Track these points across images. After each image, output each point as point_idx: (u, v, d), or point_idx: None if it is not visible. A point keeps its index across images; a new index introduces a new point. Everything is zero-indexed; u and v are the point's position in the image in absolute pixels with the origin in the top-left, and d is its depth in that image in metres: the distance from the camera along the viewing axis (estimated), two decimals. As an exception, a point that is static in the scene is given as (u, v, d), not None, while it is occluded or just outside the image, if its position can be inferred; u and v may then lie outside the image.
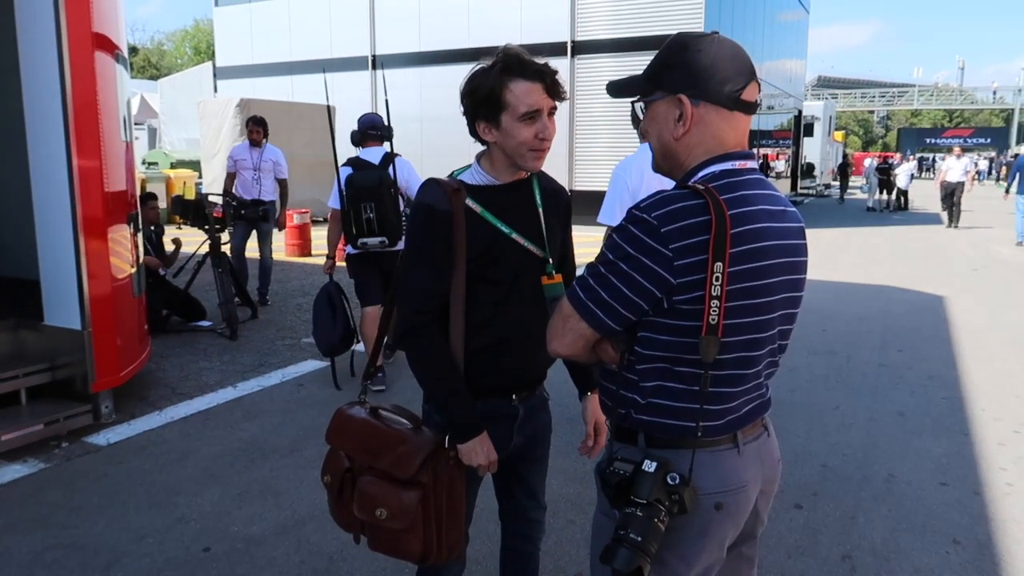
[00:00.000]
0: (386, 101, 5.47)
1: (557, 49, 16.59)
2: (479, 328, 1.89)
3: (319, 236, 12.36)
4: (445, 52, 17.81)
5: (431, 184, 1.89)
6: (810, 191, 31.41)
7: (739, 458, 1.47)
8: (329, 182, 18.30)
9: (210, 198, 6.63)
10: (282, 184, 7.91)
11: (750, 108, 1.45)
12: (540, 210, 1.95)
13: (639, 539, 1.31)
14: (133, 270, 4.69)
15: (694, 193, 1.35)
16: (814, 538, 3.25)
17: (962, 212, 17.71)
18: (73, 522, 3.32)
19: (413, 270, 1.87)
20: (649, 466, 1.36)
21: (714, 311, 1.32)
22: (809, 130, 31.70)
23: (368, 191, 4.90)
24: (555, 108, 1.83)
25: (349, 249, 5.04)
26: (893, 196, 23.27)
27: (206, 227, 6.45)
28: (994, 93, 66.23)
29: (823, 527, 3.35)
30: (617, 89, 1.57)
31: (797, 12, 27.75)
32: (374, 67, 18.91)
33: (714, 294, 1.31)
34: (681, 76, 1.42)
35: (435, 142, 18.36)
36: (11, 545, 3.11)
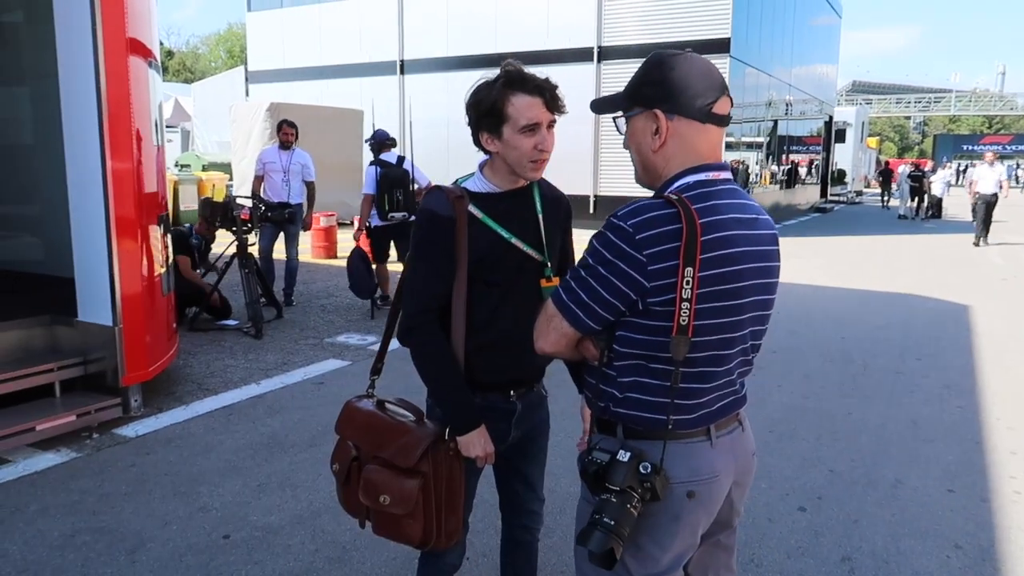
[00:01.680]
0: (408, 122, 5.75)
1: (583, 55, 16.71)
2: (479, 327, 1.99)
3: (345, 239, 12.60)
4: (472, 57, 17.99)
5: (435, 191, 2.01)
6: (840, 198, 31.09)
7: (711, 450, 1.56)
8: (356, 186, 18.57)
9: (238, 200, 6.82)
10: (310, 187, 8.12)
11: (722, 121, 1.55)
12: (540, 216, 2.06)
13: (612, 523, 1.40)
14: (163, 269, 4.88)
15: (667, 203, 1.45)
16: (815, 539, 3.31)
17: (993, 222, 15.86)
18: (102, 508, 3.48)
19: (418, 271, 1.99)
20: (623, 456, 1.46)
21: (684, 312, 1.42)
22: (841, 136, 31.42)
23: (397, 181, 7.26)
24: (554, 121, 1.93)
25: (375, 222, 7.35)
26: (925, 204, 22.97)
27: (233, 229, 6.64)
28: (1034, 99, 64.84)
29: (825, 529, 3.40)
30: (599, 106, 1.67)
31: (829, 17, 27.52)
32: (402, 72, 19.16)
33: (684, 296, 1.41)
34: (656, 92, 1.52)
35: (461, 146, 18.43)
36: (44, 528, 3.29)
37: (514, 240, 2.00)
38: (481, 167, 2.05)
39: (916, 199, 23.04)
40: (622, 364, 1.52)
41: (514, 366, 2.08)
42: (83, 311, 4.47)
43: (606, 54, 16.63)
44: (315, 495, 3.65)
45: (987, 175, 15.62)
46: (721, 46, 15.45)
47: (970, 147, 63.72)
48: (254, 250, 7.08)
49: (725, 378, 1.56)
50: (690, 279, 1.41)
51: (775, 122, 20.93)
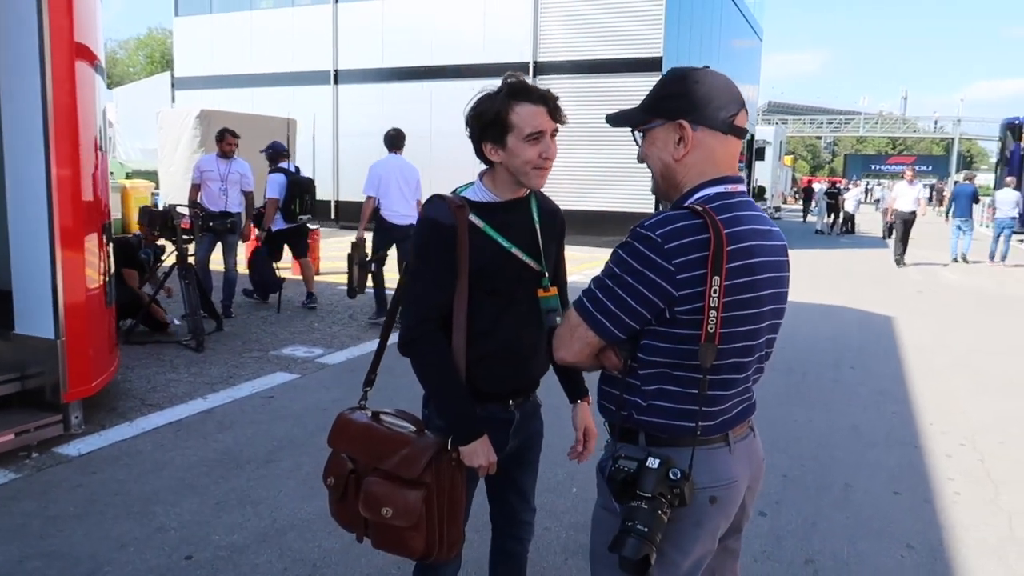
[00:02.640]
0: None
1: (519, 69, 16.79)
2: (480, 336, 1.99)
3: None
4: (408, 69, 17.94)
5: (437, 200, 2.00)
6: (778, 210, 32.34)
7: (730, 456, 1.60)
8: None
9: (178, 209, 6.59)
10: (248, 197, 7.95)
11: (741, 133, 1.60)
12: (537, 227, 2.07)
13: (646, 529, 1.42)
14: (104, 280, 4.67)
15: (693, 213, 1.49)
16: (778, 544, 3.41)
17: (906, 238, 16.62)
18: (50, 531, 3.30)
19: (418, 280, 1.97)
20: (653, 463, 1.48)
21: (712, 320, 1.46)
22: (761, 154, 32.59)
23: (304, 187, 8.16)
24: (557, 130, 1.96)
25: (278, 226, 8.08)
26: (840, 219, 24.06)
27: (173, 238, 6.42)
28: (935, 123, 68.92)
29: (786, 533, 3.51)
30: (616, 120, 1.71)
31: (751, 39, 28.61)
32: (336, 82, 18.93)
33: (712, 305, 1.45)
34: (682, 104, 1.57)
35: (397, 158, 18.40)
36: (-13, 554, 3.10)
37: (514, 250, 2.01)
38: (481, 177, 2.06)
39: (832, 215, 24.12)
40: (647, 372, 1.55)
41: (513, 376, 2.08)
42: (20, 323, 4.23)
43: (542, 69, 16.82)
44: (278, 512, 3.55)
45: (906, 193, 15.28)
46: (653, 65, 15.83)
47: (877, 167, 67.26)
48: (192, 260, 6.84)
49: (743, 385, 1.61)
50: (717, 288, 1.45)
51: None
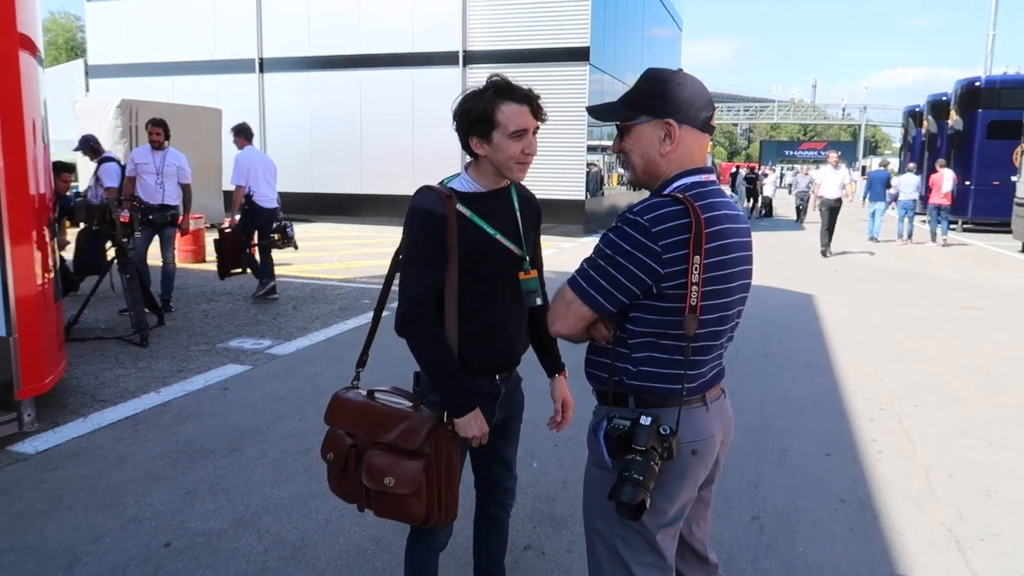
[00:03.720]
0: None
1: (449, 58, 16.92)
2: (469, 316, 2.16)
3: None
4: (336, 58, 17.75)
5: (426, 191, 2.15)
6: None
7: (707, 414, 1.82)
8: (215, 187, 18.03)
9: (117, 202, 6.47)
10: (185, 189, 7.79)
11: (712, 130, 1.82)
12: (518, 214, 2.25)
13: (641, 478, 1.63)
14: (52, 275, 4.61)
15: (675, 200, 1.69)
16: (727, 504, 3.70)
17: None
18: (20, 527, 3.30)
19: (413, 266, 2.12)
20: (646, 420, 1.68)
21: (694, 294, 1.66)
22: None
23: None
24: (538, 127, 2.13)
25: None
26: (759, 203, 25.07)
27: (113, 232, 6.31)
28: (843, 110, 72.02)
29: (733, 494, 3.80)
30: (599, 113, 1.89)
31: (671, 28, 29.33)
32: (262, 70, 18.56)
33: (694, 280, 1.66)
34: (669, 104, 1.76)
35: (325, 146, 18.27)
36: (-41, 552, 3.09)
37: (498, 236, 2.18)
38: (466, 168, 2.22)
39: (751, 199, 25.09)
40: (635, 342, 1.75)
41: (500, 352, 2.26)
42: (-32, 322, 4.15)
43: (471, 58, 16.92)
44: (250, 498, 3.63)
45: (831, 178, 14.34)
46: (581, 54, 16.16)
47: (791, 152, 69.80)
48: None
49: (718, 351, 1.83)
50: (698, 266, 1.65)
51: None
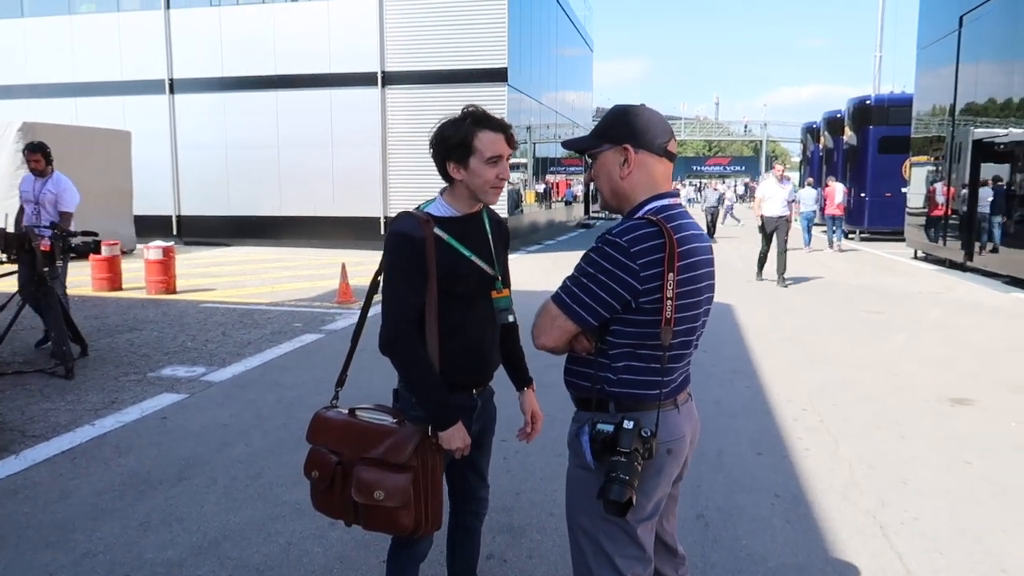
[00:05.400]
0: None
1: (368, 79, 16.92)
2: (448, 334, 2.28)
3: (131, 269, 11.72)
4: (251, 78, 17.47)
5: (406, 216, 2.27)
6: (600, 215, 33.98)
7: (679, 416, 2.00)
8: (126, 212, 17.43)
9: (37, 231, 6.23)
10: (64, 218, 6.95)
11: (672, 157, 2.01)
12: (490, 237, 2.39)
13: (627, 477, 1.78)
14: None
15: (649, 223, 1.86)
16: (673, 504, 3.90)
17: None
18: (-35, 569, 3.19)
19: (395, 287, 2.23)
20: (628, 424, 1.84)
21: (669, 308, 1.84)
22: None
23: None
24: (511, 155, 2.28)
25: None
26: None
27: (34, 261, 6.08)
28: (745, 126, 75.17)
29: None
30: (572, 144, 2.06)
31: (582, 49, 30.15)
32: (172, 91, 18.06)
33: (668, 295, 1.83)
34: (625, 131, 1.94)
35: (241, 168, 17.93)
36: (-97, 599, 2.96)
37: (473, 257, 2.31)
38: (442, 193, 2.34)
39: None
40: (615, 352, 1.91)
41: (477, 367, 2.38)
42: None
43: (390, 79, 16.97)
44: (207, 525, 3.61)
45: (775, 193, 12.02)
46: (499, 75, 16.46)
47: (698, 167, 72.51)
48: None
49: (687, 359, 2.01)
50: (672, 281, 1.83)
51: (533, 144, 22.40)
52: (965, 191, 14.15)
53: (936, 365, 6.93)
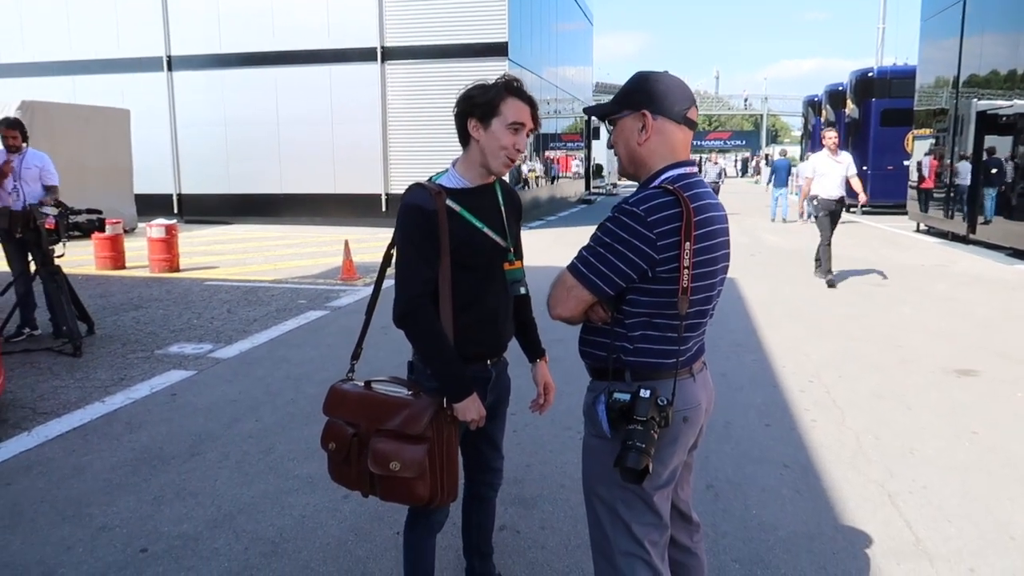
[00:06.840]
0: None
1: (367, 54, 16.78)
2: (462, 307, 2.28)
3: (133, 248, 11.72)
4: (250, 55, 17.33)
5: (417, 188, 2.26)
6: (600, 190, 33.88)
7: (695, 384, 2.01)
8: (125, 189, 17.37)
9: (42, 209, 6.22)
10: (52, 191, 6.76)
11: (692, 125, 1.99)
12: (502, 208, 2.38)
13: (643, 445, 1.79)
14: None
15: (665, 191, 1.86)
16: (682, 475, 3.93)
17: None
18: (-16, 544, 3.22)
19: (408, 260, 2.22)
20: (645, 393, 1.85)
21: (686, 277, 1.84)
22: (596, 133, 34.18)
23: None
24: (532, 131, 2.27)
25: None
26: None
27: (39, 240, 6.08)
28: (745, 101, 74.68)
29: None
30: (592, 111, 2.06)
31: (582, 23, 29.85)
32: (170, 68, 17.93)
33: (685, 264, 1.83)
34: (644, 97, 1.93)
35: (241, 146, 17.84)
36: (-76, 573, 3.00)
37: (485, 229, 2.31)
38: (454, 164, 2.33)
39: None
40: (632, 322, 1.91)
41: (491, 339, 2.39)
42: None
43: (389, 54, 16.82)
44: (221, 499, 3.64)
45: (830, 169, 9.63)
46: (499, 50, 16.31)
47: (697, 142, 72.08)
48: (60, 262, 6.47)
49: (703, 328, 2.01)
50: (688, 251, 1.83)
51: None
52: (968, 164, 14.08)
53: (940, 337, 6.94)
